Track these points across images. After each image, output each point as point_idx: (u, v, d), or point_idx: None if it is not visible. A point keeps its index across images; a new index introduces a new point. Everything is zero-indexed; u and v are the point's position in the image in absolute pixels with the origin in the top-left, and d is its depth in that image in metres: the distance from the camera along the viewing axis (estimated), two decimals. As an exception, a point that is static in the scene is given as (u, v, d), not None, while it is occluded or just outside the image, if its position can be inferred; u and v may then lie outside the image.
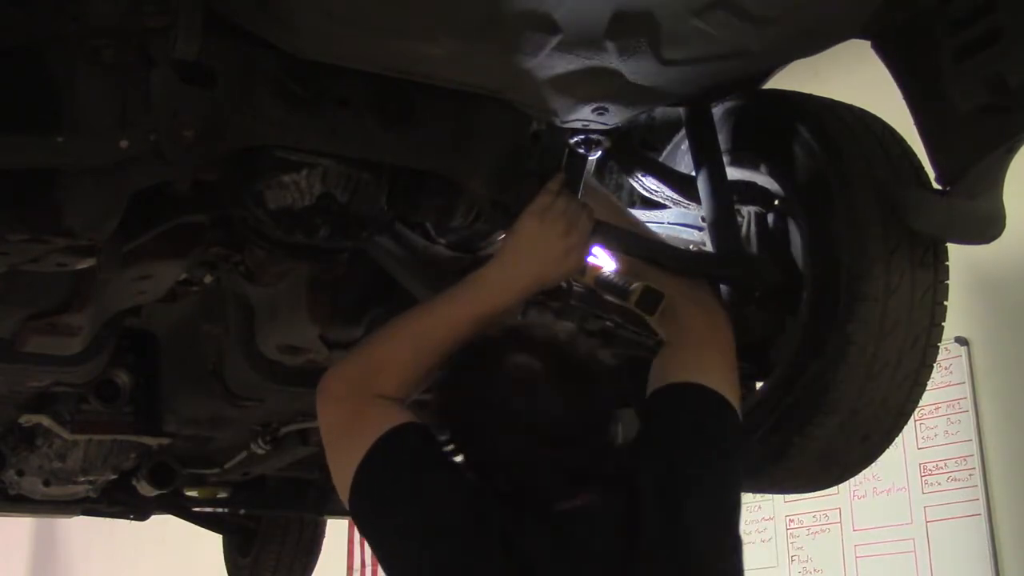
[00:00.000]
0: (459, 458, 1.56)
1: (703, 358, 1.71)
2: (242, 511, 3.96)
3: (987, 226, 1.73)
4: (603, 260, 1.92)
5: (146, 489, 3.17)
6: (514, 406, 1.52)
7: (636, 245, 1.88)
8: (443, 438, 1.57)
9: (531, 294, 1.68)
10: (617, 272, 1.86)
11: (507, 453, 1.53)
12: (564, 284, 1.89)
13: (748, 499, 2.83)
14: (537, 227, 1.65)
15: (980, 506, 3.73)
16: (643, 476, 1.54)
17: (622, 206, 2.15)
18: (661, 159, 2.19)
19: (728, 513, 1.59)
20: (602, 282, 1.85)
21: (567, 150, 1.78)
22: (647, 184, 2.14)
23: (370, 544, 1.57)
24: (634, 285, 1.80)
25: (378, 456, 1.53)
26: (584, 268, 1.79)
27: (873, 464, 1.94)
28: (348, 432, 1.58)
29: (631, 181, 2.19)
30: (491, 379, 1.56)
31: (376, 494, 1.54)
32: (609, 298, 1.86)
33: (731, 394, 1.68)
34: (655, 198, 2.14)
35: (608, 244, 1.88)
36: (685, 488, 1.54)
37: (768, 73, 1.83)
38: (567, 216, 1.66)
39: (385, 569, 1.56)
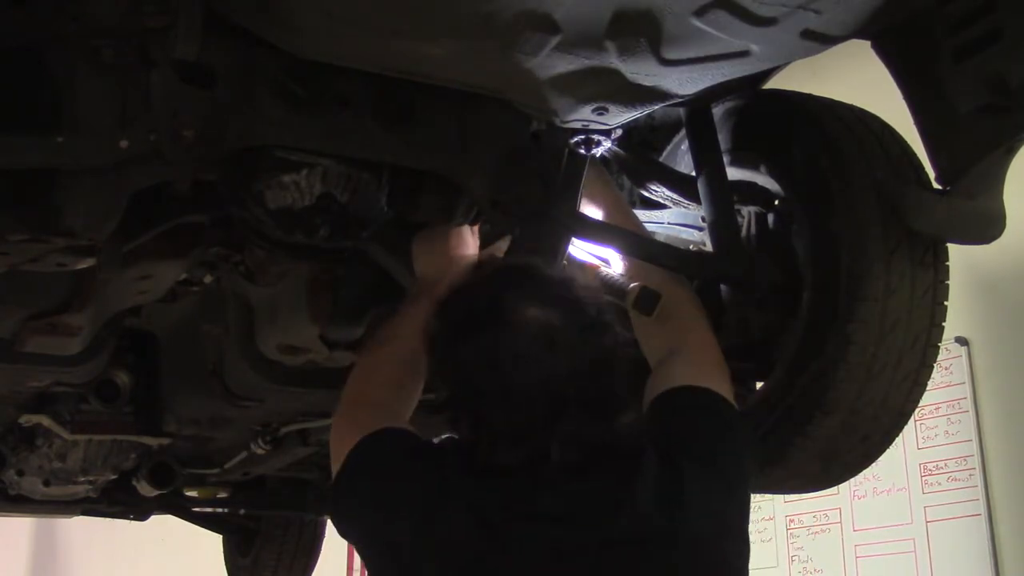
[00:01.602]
0: (457, 433, 1.52)
1: (698, 360, 1.68)
2: (242, 511, 3.96)
3: (987, 226, 1.73)
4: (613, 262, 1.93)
5: (146, 489, 3.17)
6: (533, 362, 1.40)
7: (635, 245, 1.88)
8: (444, 414, 1.51)
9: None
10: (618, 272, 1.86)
11: (518, 416, 1.41)
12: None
13: (748, 499, 2.81)
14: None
15: (980, 506, 3.73)
16: (645, 466, 1.46)
17: (628, 206, 2.15)
18: (661, 159, 2.19)
19: (733, 514, 1.53)
20: (600, 279, 1.85)
21: (567, 150, 1.78)
22: (647, 184, 2.14)
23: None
24: (632, 285, 1.80)
25: (349, 466, 1.57)
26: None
27: (873, 464, 1.94)
28: (334, 445, 1.64)
29: (631, 181, 2.19)
30: (500, 337, 1.42)
31: (344, 504, 1.58)
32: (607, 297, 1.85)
33: (726, 390, 1.65)
34: (655, 198, 2.14)
35: (604, 243, 1.88)
36: (687, 483, 1.47)
37: (768, 73, 1.83)
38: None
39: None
